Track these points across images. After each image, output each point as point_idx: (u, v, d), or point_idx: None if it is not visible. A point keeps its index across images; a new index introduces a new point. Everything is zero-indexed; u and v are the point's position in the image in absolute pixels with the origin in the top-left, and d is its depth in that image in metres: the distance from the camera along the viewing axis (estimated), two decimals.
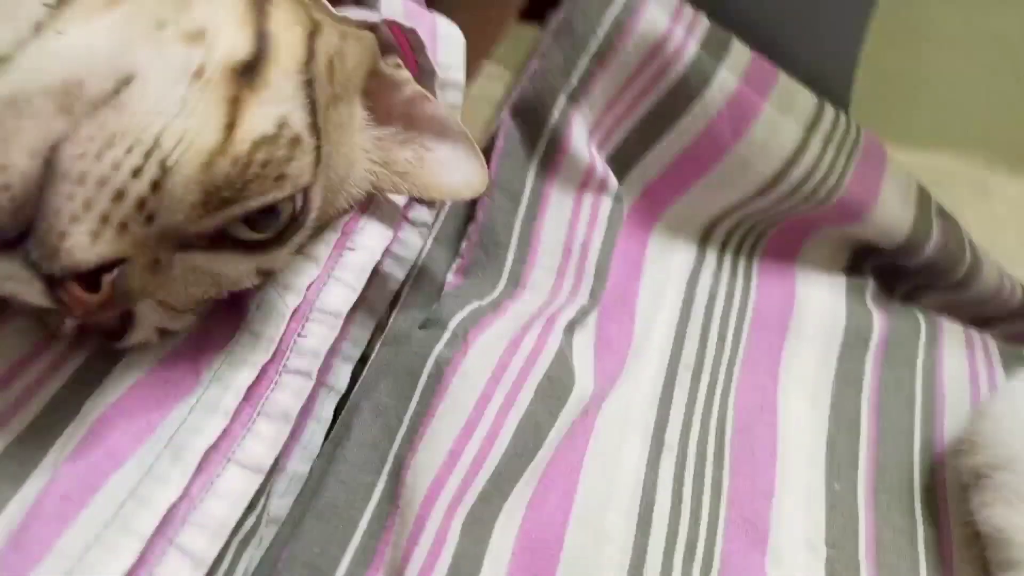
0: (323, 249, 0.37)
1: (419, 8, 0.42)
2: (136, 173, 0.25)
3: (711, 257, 0.50)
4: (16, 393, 0.31)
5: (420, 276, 0.43)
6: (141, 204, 0.26)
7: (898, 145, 0.53)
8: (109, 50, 0.26)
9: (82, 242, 0.24)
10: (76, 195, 0.24)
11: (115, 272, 0.26)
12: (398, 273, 0.42)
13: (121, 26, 0.27)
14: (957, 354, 0.50)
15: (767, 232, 0.51)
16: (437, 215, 0.45)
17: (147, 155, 0.25)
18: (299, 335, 0.34)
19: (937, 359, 0.49)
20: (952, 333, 0.51)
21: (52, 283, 0.25)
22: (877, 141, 0.49)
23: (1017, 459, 0.40)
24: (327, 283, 0.36)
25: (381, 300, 0.41)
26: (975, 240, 0.52)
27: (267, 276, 0.34)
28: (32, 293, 0.26)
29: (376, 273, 0.40)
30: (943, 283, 0.52)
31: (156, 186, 0.26)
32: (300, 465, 0.36)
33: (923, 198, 0.50)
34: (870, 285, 0.51)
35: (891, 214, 0.49)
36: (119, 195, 0.25)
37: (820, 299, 0.50)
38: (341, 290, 0.36)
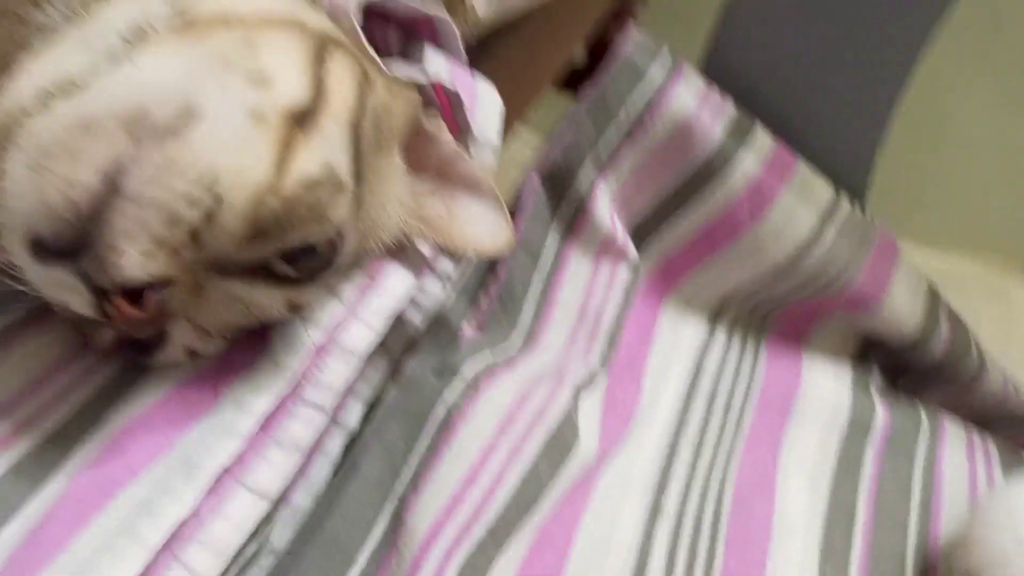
0: (351, 290, 0.38)
1: (462, 70, 0.44)
2: (192, 203, 0.27)
3: (721, 333, 0.52)
4: (46, 397, 0.33)
5: (437, 324, 0.45)
6: (193, 232, 0.27)
7: (914, 244, 0.54)
8: (177, 84, 0.28)
9: (135, 260, 0.26)
10: (135, 216, 0.26)
11: (161, 291, 0.27)
12: (416, 319, 0.43)
13: (191, 63, 0.29)
14: (957, 452, 0.50)
15: (777, 314, 0.53)
16: (461, 270, 0.46)
17: (204, 187, 0.27)
18: (319, 369, 0.36)
19: (937, 455, 0.50)
20: (953, 431, 0.52)
21: (100, 295, 0.27)
22: (890, 236, 0.51)
23: (1011, 562, 0.40)
24: (351, 323, 0.37)
25: (397, 344, 0.43)
26: (984, 345, 0.53)
27: (296, 310, 0.35)
28: (79, 302, 0.28)
29: (397, 320, 0.41)
30: (947, 382, 0.52)
31: (209, 217, 0.27)
32: (304, 499, 0.37)
33: (932, 297, 0.51)
34: (875, 376, 0.52)
35: (899, 309, 0.50)
36: (174, 221, 0.27)
37: (825, 384, 0.51)
38: (364, 331, 0.37)
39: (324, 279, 0.34)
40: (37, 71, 0.28)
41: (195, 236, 0.27)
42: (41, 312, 0.33)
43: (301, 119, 0.31)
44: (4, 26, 0.31)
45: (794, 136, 0.50)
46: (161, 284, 0.27)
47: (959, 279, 0.56)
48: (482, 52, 0.57)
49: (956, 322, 0.52)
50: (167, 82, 0.28)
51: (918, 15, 0.52)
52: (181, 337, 0.33)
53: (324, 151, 0.31)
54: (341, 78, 0.33)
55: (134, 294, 0.27)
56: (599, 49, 1.01)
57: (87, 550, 0.28)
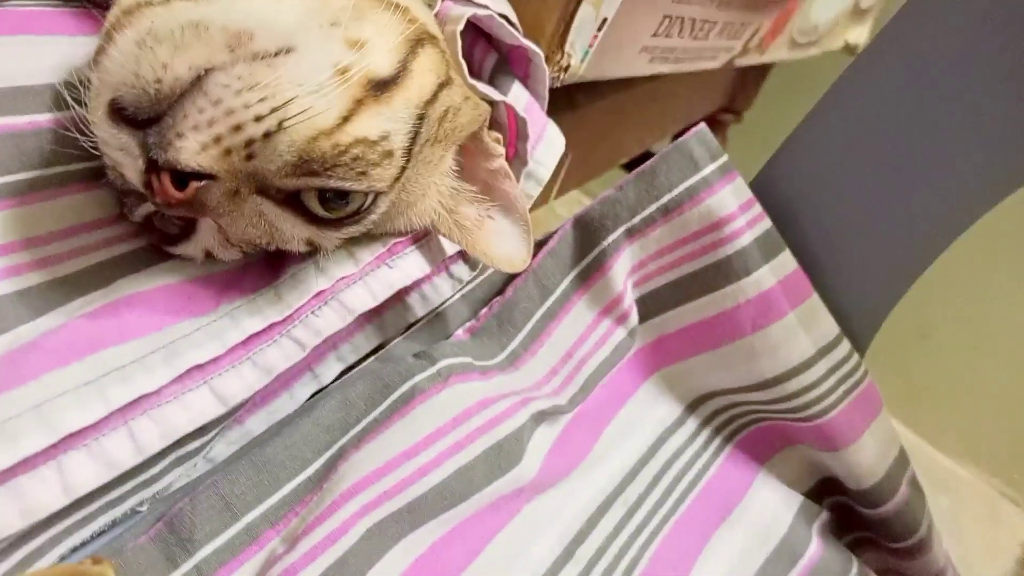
0: (367, 255, 0.41)
1: (539, 108, 0.48)
2: (258, 119, 0.30)
3: (691, 423, 0.53)
4: (70, 247, 0.36)
5: (435, 320, 0.47)
6: (249, 143, 0.30)
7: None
8: (288, 23, 0.32)
9: (192, 147, 0.29)
10: (206, 111, 0.29)
11: (203, 182, 0.30)
12: (419, 310, 0.45)
13: (306, 10, 0.33)
14: None
15: (749, 426, 0.54)
16: (474, 278, 0.49)
17: (273, 110, 0.30)
18: (313, 313, 0.38)
19: None
20: None
21: (151, 167, 0.30)
22: (876, 391, 0.52)
23: None
24: (356, 283, 0.40)
25: (394, 325, 0.45)
26: (935, 525, 0.53)
27: (312, 251, 0.38)
28: (131, 168, 0.31)
29: (400, 301, 0.44)
30: (890, 545, 0.53)
31: (267, 135, 0.31)
32: (257, 426, 0.39)
33: (901, 460, 0.52)
34: (822, 517, 0.53)
35: (865, 461, 0.51)
36: (237, 128, 0.30)
37: (770, 503, 0.52)
38: (364, 293, 0.40)
39: (347, 230, 0.37)
40: None
41: (249, 147, 0.30)
42: (94, 174, 0.37)
43: (379, 88, 0.34)
44: None
45: (817, 272, 0.53)
46: (205, 176, 0.30)
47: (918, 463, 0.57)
48: (572, 102, 0.61)
49: (916, 491, 0.53)
50: (280, 18, 0.31)
51: (965, 204, 0.54)
52: (205, 235, 0.36)
53: (386, 121, 0.34)
54: (425, 69, 0.37)
55: (180, 177, 0.30)
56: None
57: (56, 386, 0.31)
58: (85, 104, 0.31)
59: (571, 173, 0.67)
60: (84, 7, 0.37)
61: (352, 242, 0.40)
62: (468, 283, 0.48)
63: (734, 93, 1.05)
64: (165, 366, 0.33)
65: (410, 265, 0.42)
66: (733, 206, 0.49)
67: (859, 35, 1.03)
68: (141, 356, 0.33)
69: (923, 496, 0.53)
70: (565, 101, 0.59)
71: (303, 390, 0.41)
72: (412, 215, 0.41)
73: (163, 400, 0.33)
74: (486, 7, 0.42)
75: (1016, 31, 0.48)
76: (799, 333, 0.50)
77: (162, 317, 0.35)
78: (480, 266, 0.47)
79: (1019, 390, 1.06)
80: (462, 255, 0.46)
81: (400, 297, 0.43)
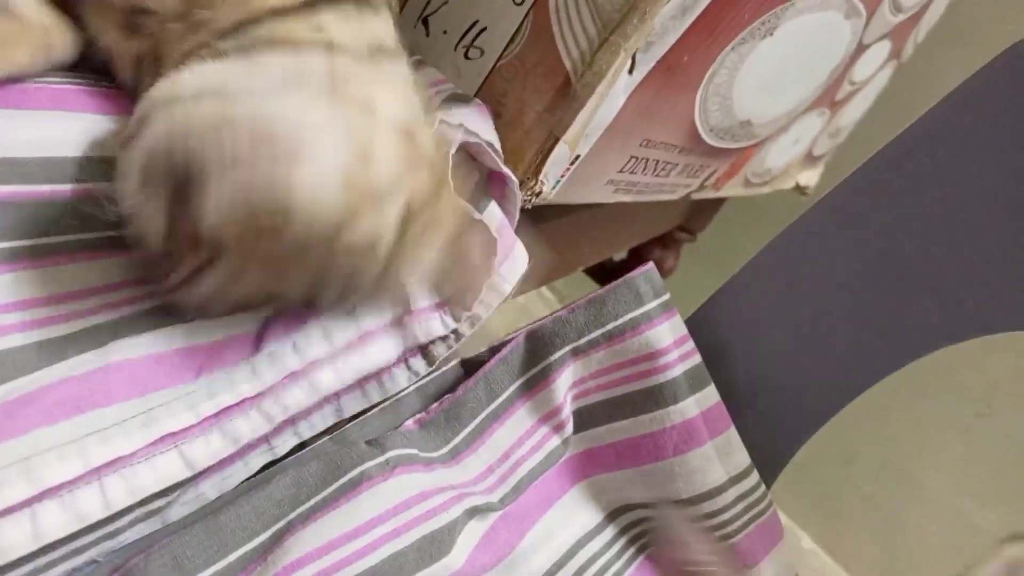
0: (341, 339, 0.44)
1: (509, 229, 0.53)
2: (270, 213, 0.32)
3: (609, 532, 0.58)
4: (75, 308, 0.38)
5: (389, 408, 0.51)
6: (259, 231, 0.33)
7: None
8: (307, 129, 0.33)
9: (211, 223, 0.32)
10: (227, 196, 0.32)
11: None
12: (375, 396, 0.49)
13: (326, 119, 0.34)
14: None
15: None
16: (429, 374, 0.53)
17: (283, 211, 0.32)
18: (284, 389, 0.42)
19: None
20: None
21: (172, 228, 0.33)
22: (780, 524, 0.58)
23: None
24: (327, 366, 0.44)
25: (350, 409, 0.48)
26: None
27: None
28: (154, 226, 0.34)
29: (360, 387, 0.48)
30: None
31: (275, 229, 0.33)
32: (211, 491, 0.42)
33: None
34: None
35: None
36: (251, 216, 0.32)
37: None
38: (333, 376, 0.43)
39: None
40: (199, 73, 0.35)
41: (259, 233, 0.33)
42: (103, 243, 0.39)
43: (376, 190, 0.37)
44: (188, 38, 0.38)
45: (737, 404, 0.59)
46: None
47: None
48: (540, 215, 0.67)
49: None
50: (301, 124, 0.33)
51: (879, 362, 0.61)
52: (204, 286, 0.36)
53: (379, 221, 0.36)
54: (415, 169, 0.39)
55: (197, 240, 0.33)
56: (638, 253, 1.13)
57: (43, 442, 0.33)
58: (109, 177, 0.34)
59: (534, 275, 0.73)
60: (113, 88, 0.41)
61: (330, 321, 0.44)
62: (423, 377, 0.53)
63: (690, 214, 1.12)
64: (142, 430, 0.36)
65: (377, 354, 0.46)
66: (669, 340, 0.55)
67: (810, 177, 1.12)
68: (122, 420, 0.36)
69: None
70: (534, 213, 0.65)
71: (257, 459, 0.44)
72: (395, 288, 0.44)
73: (135, 460, 0.36)
74: (476, 135, 0.47)
75: (953, 200, 0.55)
76: (715, 461, 0.56)
77: (146, 384, 0.38)
78: (437, 363, 0.52)
79: (937, 523, 1.10)
80: (422, 351, 0.50)
81: (360, 383, 0.47)
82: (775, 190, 1.06)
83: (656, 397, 0.55)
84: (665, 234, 1.11)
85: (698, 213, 1.14)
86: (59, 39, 0.40)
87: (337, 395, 0.45)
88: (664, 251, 1.15)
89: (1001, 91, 0.54)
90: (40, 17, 0.39)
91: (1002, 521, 1.01)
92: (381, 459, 0.45)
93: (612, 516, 0.58)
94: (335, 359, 0.44)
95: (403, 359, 0.49)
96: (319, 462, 0.44)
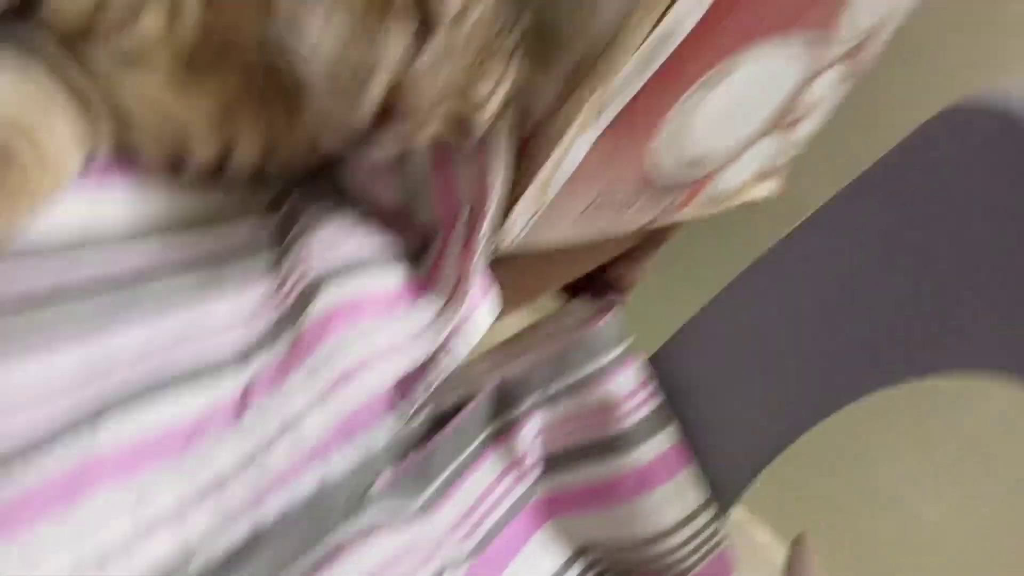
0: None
1: (483, 285, 0.54)
2: None
3: (574, 571, 0.61)
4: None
5: (360, 467, 0.53)
6: None
7: None
8: None
9: None
10: None
11: None
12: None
13: None
14: None
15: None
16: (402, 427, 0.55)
17: None
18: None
19: None
20: None
21: None
22: (732, 559, 0.61)
23: None
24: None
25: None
26: None
27: None
28: None
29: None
30: None
31: None
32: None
33: None
34: None
35: None
36: None
37: None
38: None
39: None
40: None
41: None
42: None
43: None
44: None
45: (695, 438, 0.62)
46: None
47: None
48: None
49: None
50: None
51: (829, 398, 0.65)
52: None
53: None
54: None
55: None
56: (605, 267, 1.15)
57: (32, 548, 0.33)
58: None
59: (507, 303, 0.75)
60: None
61: None
62: (393, 432, 0.55)
63: (652, 233, 1.15)
64: (132, 513, 0.38)
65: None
66: (631, 386, 0.58)
67: (768, 188, 1.16)
68: (108, 518, 0.38)
69: None
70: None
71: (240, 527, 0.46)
72: None
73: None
74: None
75: (904, 258, 0.58)
76: (672, 501, 0.59)
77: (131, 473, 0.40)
78: (407, 418, 0.54)
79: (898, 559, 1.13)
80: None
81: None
82: (735, 204, 1.09)
83: (616, 444, 0.58)
84: (628, 252, 1.14)
85: (660, 231, 1.16)
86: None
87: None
88: (629, 265, 1.17)
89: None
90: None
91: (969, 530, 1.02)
92: (357, 527, 0.47)
93: (574, 558, 0.61)
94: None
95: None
96: (296, 532, 0.46)
